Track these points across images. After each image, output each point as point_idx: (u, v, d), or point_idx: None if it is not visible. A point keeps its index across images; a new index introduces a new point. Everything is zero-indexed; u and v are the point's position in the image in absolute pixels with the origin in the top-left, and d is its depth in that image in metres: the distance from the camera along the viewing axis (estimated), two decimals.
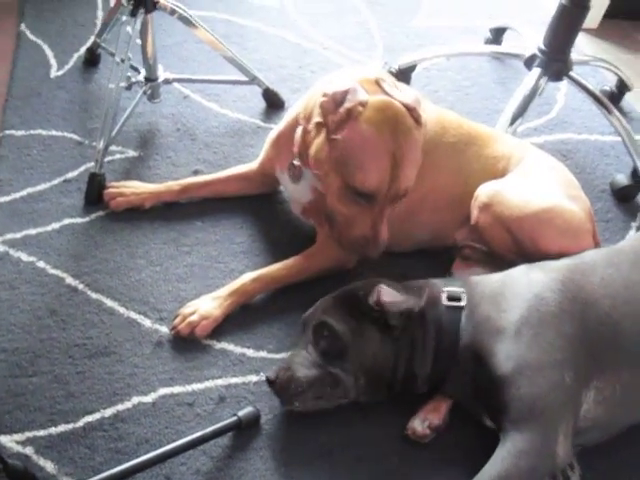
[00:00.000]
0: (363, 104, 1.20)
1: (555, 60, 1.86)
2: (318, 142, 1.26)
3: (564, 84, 2.04)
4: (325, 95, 1.22)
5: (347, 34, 2.25)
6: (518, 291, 1.21)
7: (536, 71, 1.85)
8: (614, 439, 1.25)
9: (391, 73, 2.02)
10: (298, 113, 1.39)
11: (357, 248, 1.30)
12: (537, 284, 1.21)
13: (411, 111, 1.24)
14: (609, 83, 2.16)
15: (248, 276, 1.39)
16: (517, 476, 1.07)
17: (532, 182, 1.38)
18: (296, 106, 1.45)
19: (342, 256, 1.42)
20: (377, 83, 1.26)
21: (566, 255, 1.30)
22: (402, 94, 1.25)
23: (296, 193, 1.47)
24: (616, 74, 2.12)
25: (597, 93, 1.89)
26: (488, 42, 2.25)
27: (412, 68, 2.04)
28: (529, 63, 1.90)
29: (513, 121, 1.77)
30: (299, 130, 1.36)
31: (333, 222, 1.31)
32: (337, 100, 1.20)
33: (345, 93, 1.19)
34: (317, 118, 1.25)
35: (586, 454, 1.24)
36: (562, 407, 1.11)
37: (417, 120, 1.25)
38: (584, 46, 2.43)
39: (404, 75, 2.03)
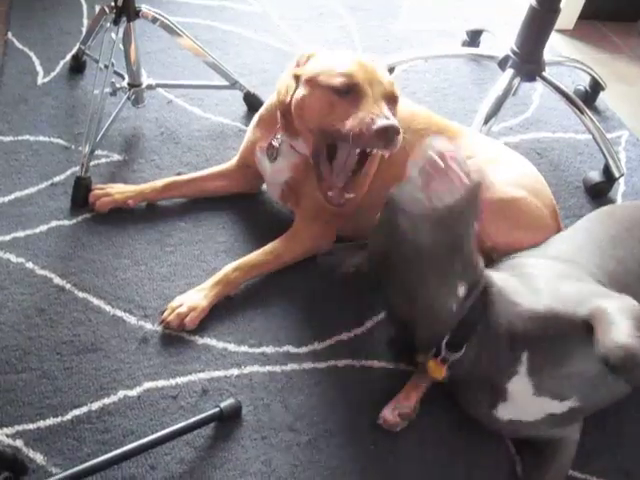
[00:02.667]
0: (319, 50, 1.42)
1: (527, 61, 1.91)
2: (297, 95, 1.38)
3: (540, 84, 2.10)
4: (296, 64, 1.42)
5: (328, 38, 2.31)
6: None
7: (509, 72, 1.91)
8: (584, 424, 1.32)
9: None
10: (272, 104, 1.50)
11: (382, 140, 1.27)
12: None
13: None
14: (583, 82, 2.22)
15: (229, 266, 1.44)
16: None
17: (493, 173, 1.42)
18: (272, 95, 1.54)
19: (319, 236, 1.49)
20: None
21: (517, 249, 1.32)
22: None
23: (275, 173, 1.52)
24: (589, 74, 2.18)
25: (569, 93, 1.95)
26: (465, 44, 2.31)
27: (391, 71, 2.09)
28: (502, 64, 1.96)
29: (487, 120, 1.83)
30: (278, 114, 1.44)
31: (342, 132, 1.31)
32: (301, 61, 1.42)
33: (307, 56, 1.41)
34: (288, 82, 1.40)
35: None
36: None
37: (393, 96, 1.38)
38: (560, 47, 2.49)
39: None
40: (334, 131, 1.32)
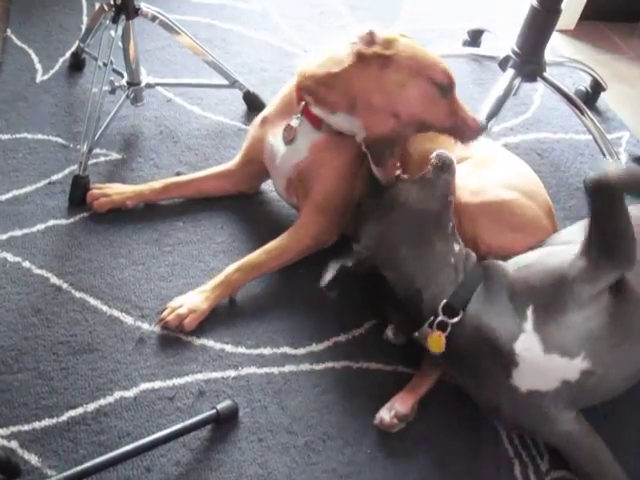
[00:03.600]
0: (389, 34, 1.33)
1: (528, 62, 1.90)
2: (371, 78, 1.31)
3: (540, 85, 2.09)
4: (354, 42, 1.32)
5: (329, 37, 2.27)
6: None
7: (510, 72, 1.90)
8: None
9: None
10: (289, 91, 1.48)
11: (468, 132, 1.37)
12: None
13: None
14: (584, 83, 2.21)
15: (230, 268, 1.42)
16: None
17: (488, 174, 1.41)
18: (285, 88, 1.52)
19: (324, 230, 1.47)
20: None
21: (512, 251, 1.30)
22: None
23: (288, 156, 1.47)
24: (590, 75, 2.17)
25: (570, 94, 1.94)
26: (466, 44, 2.30)
27: None
28: (503, 65, 1.95)
29: (487, 121, 1.82)
30: (308, 98, 1.40)
31: (436, 128, 1.37)
32: (367, 40, 1.31)
33: (369, 34, 1.32)
34: (341, 65, 1.32)
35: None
36: None
37: None
38: (561, 47, 2.48)
39: None
40: (425, 127, 1.35)
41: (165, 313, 1.38)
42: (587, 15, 2.58)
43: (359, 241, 1.29)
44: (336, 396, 1.33)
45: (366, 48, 1.30)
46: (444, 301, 1.19)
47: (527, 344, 1.14)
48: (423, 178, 1.30)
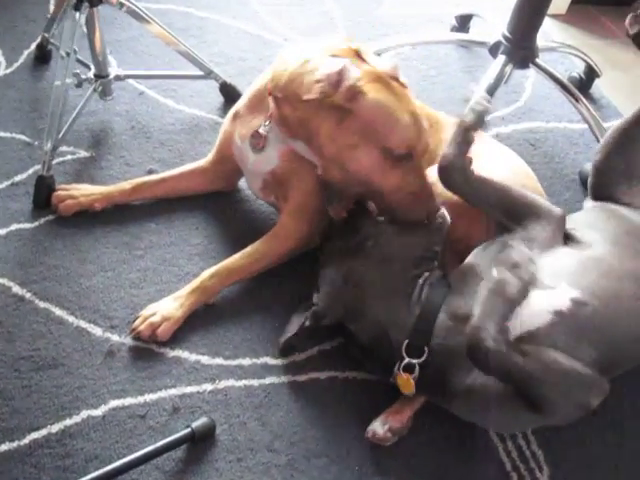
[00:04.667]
0: (359, 79, 1.19)
1: (520, 47, 1.82)
2: (327, 125, 1.21)
3: (532, 72, 2.00)
4: (319, 81, 1.19)
5: (310, 24, 2.19)
6: None
7: (501, 59, 1.81)
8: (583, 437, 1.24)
9: None
10: (262, 85, 1.36)
11: (418, 210, 1.26)
12: None
13: (393, 79, 1.24)
14: (578, 69, 2.13)
15: (207, 272, 1.34)
16: None
17: (480, 167, 1.34)
18: (258, 82, 1.40)
19: (305, 233, 1.39)
20: (357, 54, 1.24)
21: None
22: (382, 63, 1.25)
23: (259, 163, 1.39)
24: (584, 60, 2.08)
25: (564, 81, 1.86)
26: (454, 30, 2.21)
27: None
28: (494, 51, 1.86)
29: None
30: (271, 101, 1.30)
31: (382, 198, 1.26)
32: (333, 82, 1.18)
33: (339, 74, 1.18)
34: (309, 95, 1.20)
35: (553, 453, 1.22)
36: None
37: (402, 85, 1.26)
38: (552, 32, 2.40)
39: None
40: (371, 188, 1.25)
41: (137, 322, 1.28)
42: None
43: (318, 289, 1.26)
44: (321, 409, 1.24)
45: (329, 92, 1.18)
46: (406, 342, 1.15)
47: None
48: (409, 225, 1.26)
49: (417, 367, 1.14)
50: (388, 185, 1.24)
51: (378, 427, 1.20)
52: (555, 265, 1.14)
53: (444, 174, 1.22)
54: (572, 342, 1.07)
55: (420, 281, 1.21)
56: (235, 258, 1.36)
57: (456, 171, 1.21)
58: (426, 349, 1.14)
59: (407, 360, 1.14)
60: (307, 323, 1.25)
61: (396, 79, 1.24)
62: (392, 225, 1.26)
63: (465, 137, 1.21)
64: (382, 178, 1.23)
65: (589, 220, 1.31)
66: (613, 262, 1.17)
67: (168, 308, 1.30)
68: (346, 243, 1.26)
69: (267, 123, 1.34)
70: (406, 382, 1.16)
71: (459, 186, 1.22)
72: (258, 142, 1.37)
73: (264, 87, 1.35)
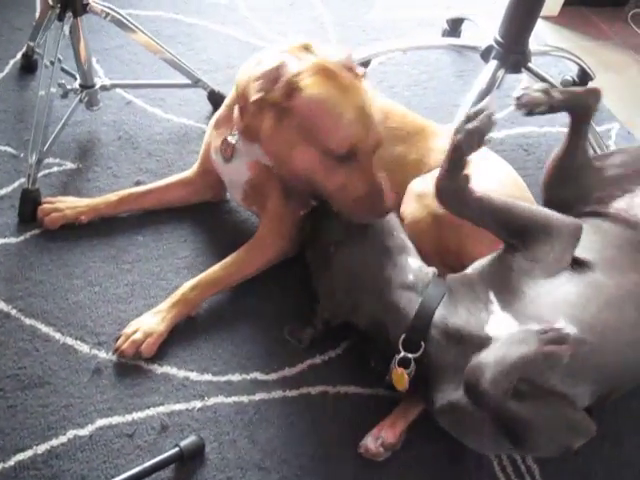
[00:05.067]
0: (298, 74, 1.15)
1: (512, 52, 1.79)
2: (267, 124, 1.19)
3: (525, 75, 1.98)
4: (257, 78, 1.16)
5: (300, 30, 2.17)
6: None
7: (493, 63, 1.79)
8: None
9: None
10: (232, 98, 1.35)
11: (366, 211, 1.21)
12: None
13: (348, 68, 1.20)
14: (571, 72, 2.11)
15: (187, 285, 1.32)
16: None
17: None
18: (233, 91, 1.38)
19: (284, 242, 1.37)
20: (306, 48, 1.21)
21: None
22: (334, 54, 1.21)
23: (233, 174, 1.39)
24: (577, 63, 2.06)
25: (556, 85, 1.83)
26: (445, 34, 2.18)
27: (366, 64, 1.96)
28: (486, 55, 1.84)
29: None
30: (236, 109, 1.29)
31: (330, 198, 1.23)
32: (271, 78, 1.15)
33: (276, 69, 1.15)
34: (255, 96, 1.17)
35: (549, 467, 1.20)
36: None
37: (356, 75, 1.21)
38: (545, 34, 2.38)
39: None
40: (317, 188, 1.22)
41: (119, 342, 1.26)
42: (571, 0, 2.48)
43: (319, 300, 1.26)
44: (312, 425, 1.22)
45: (267, 88, 1.15)
46: (403, 336, 1.14)
47: (499, 324, 1.06)
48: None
49: (412, 362, 1.13)
50: (331, 185, 1.20)
51: (370, 442, 1.18)
52: (555, 295, 1.08)
53: (440, 197, 1.14)
54: (569, 381, 1.03)
55: (411, 277, 1.19)
56: (215, 269, 1.34)
57: (452, 194, 1.13)
58: (422, 344, 1.12)
59: (403, 354, 1.13)
60: (318, 327, 1.27)
61: (351, 69, 1.20)
62: (342, 225, 1.23)
63: (456, 157, 1.11)
64: (324, 178, 1.20)
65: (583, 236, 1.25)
66: (612, 288, 1.11)
67: (149, 324, 1.27)
68: (315, 252, 1.27)
69: (234, 132, 1.33)
70: (400, 377, 1.14)
71: (457, 209, 1.15)
72: (226, 150, 1.35)
73: (233, 100, 1.34)
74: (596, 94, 1.38)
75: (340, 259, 1.23)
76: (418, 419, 1.21)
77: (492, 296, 1.10)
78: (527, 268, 1.10)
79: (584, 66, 2.05)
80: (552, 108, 1.33)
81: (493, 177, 1.35)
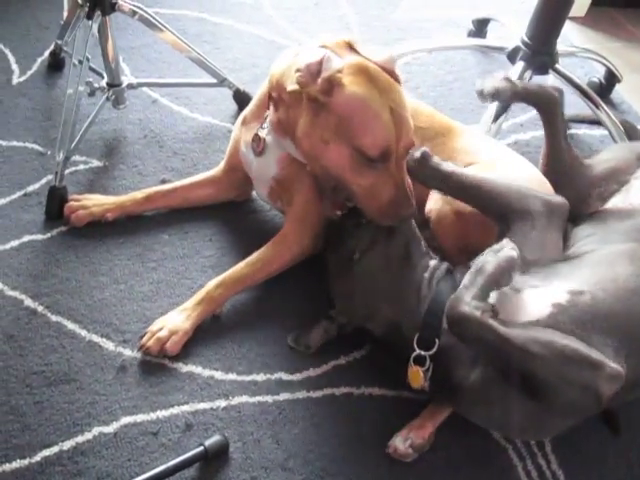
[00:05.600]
0: (340, 70, 1.14)
1: (539, 53, 1.78)
2: (303, 118, 1.19)
3: (551, 76, 1.95)
4: (299, 70, 1.15)
5: (324, 29, 2.16)
6: None
7: (520, 65, 1.78)
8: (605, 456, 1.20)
9: None
10: (264, 92, 1.35)
11: (391, 215, 1.20)
12: None
13: (387, 71, 1.19)
14: (598, 74, 2.08)
15: (212, 282, 1.32)
16: None
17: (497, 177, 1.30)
18: (263, 87, 1.38)
19: (308, 239, 1.36)
20: (349, 46, 1.21)
21: None
22: (376, 54, 1.20)
23: (262, 169, 1.38)
24: (604, 65, 2.04)
25: (584, 86, 1.82)
26: (471, 34, 2.17)
27: None
28: (512, 56, 1.82)
29: (496, 118, 1.70)
30: (271, 106, 1.28)
31: (356, 198, 1.22)
32: (313, 71, 1.14)
33: (319, 63, 1.13)
34: (292, 86, 1.17)
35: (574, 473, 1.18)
36: None
37: (395, 78, 1.20)
38: (571, 35, 2.35)
39: None
40: (346, 188, 1.21)
41: (145, 339, 1.26)
42: (598, 1, 2.45)
43: (334, 306, 1.27)
44: (336, 426, 1.21)
45: (308, 81, 1.13)
46: (417, 335, 1.14)
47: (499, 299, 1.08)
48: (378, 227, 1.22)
49: (428, 359, 1.13)
50: (359, 186, 1.19)
51: (399, 443, 1.17)
52: (546, 270, 1.11)
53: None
54: (579, 332, 1.02)
55: (426, 275, 1.19)
56: (240, 266, 1.34)
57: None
58: (437, 341, 1.12)
59: (417, 352, 1.13)
60: (333, 332, 1.29)
61: (391, 72, 1.19)
62: (370, 231, 1.23)
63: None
64: (353, 178, 1.19)
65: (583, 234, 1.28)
66: (602, 251, 1.14)
67: (175, 321, 1.28)
68: (338, 256, 1.26)
69: (265, 126, 1.32)
70: (416, 374, 1.15)
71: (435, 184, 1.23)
72: (258, 145, 1.35)
73: (265, 94, 1.34)
74: (559, 90, 1.44)
75: (364, 265, 1.22)
76: (446, 421, 1.20)
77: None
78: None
79: (611, 67, 2.03)
80: (515, 95, 1.41)
81: (519, 179, 1.34)
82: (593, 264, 1.13)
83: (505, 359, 0.99)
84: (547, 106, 1.41)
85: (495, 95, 1.40)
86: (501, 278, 1.04)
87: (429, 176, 1.21)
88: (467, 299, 1.00)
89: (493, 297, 1.06)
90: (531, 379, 0.98)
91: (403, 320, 1.17)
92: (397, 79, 1.21)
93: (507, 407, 1.06)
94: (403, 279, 1.20)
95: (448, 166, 1.21)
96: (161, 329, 1.27)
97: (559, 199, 1.20)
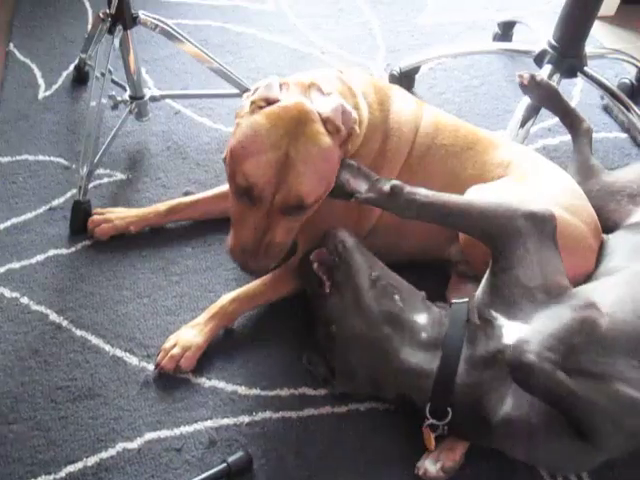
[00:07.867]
0: (270, 100, 1.14)
1: (567, 56, 1.74)
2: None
3: (580, 78, 1.91)
4: (247, 96, 1.20)
5: (348, 36, 2.15)
6: None
7: (547, 68, 1.74)
8: None
9: (393, 76, 1.91)
10: None
11: (237, 258, 1.20)
12: None
13: (325, 121, 1.16)
14: (629, 75, 2.03)
15: (226, 297, 1.31)
16: None
17: (526, 189, 1.26)
18: None
19: None
20: (309, 87, 1.20)
21: None
22: (324, 102, 1.18)
23: None
24: (636, 66, 1.98)
25: (614, 89, 1.77)
26: (497, 37, 2.13)
27: (416, 70, 1.93)
28: (539, 60, 1.78)
29: (524, 123, 1.66)
30: None
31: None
32: (250, 94, 1.19)
33: (262, 87, 1.17)
34: (246, 101, 1.21)
35: None
36: None
37: (332, 131, 1.16)
38: (600, 35, 2.29)
39: (407, 78, 1.92)
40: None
41: (159, 357, 1.25)
42: None
43: (335, 376, 1.22)
44: (361, 443, 1.19)
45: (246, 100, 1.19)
46: (428, 405, 1.11)
47: (513, 332, 1.07)
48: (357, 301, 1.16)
49: (441, 428, 1.11)
50: (230, 209, 1.20)
51: (430, 465, 1.14)
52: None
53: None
54: (605, 357, 1.01)
55: (424, 335, 1.13)
56: (255, 283, 1.32)
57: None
58: (449, 410, 1.09)
59: (430, 421, 1.11)
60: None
61: (328, 123, 1.15)
62: (338, 301, 1.18)
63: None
64: (231, 197, 1.20)
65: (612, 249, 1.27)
66: (624, 270, 1.13)
67: (187, 337, 1.26)
68: (319, 332, 1.22)
69: None
70: (429, 439, 1.13)
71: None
72: None
73: None
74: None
75: (343, 337, 1.16)
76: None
77: (493, 313, 1.12)
78: (507, 279, 1.11)
79: None
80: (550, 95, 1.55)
81: (552, 187, 1.31)
82: (611, 285, 1.10)
83: (567, 408, 0.97)
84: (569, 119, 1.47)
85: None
86: (579, 337, 1.00)
87: (404, 208, 1.17)
88: (536, 348, 0.96)
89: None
90: (585, 425, 0.96)
91: (410, 386, 1.13)
92: (334, 131, 1.16)
93: (543, 439, 1.04)
94: (394, 344, 1.13)
95: (424, 194, 1.17)
96: (174, 346, 1.25)
97: (543, 210, 1.14)
